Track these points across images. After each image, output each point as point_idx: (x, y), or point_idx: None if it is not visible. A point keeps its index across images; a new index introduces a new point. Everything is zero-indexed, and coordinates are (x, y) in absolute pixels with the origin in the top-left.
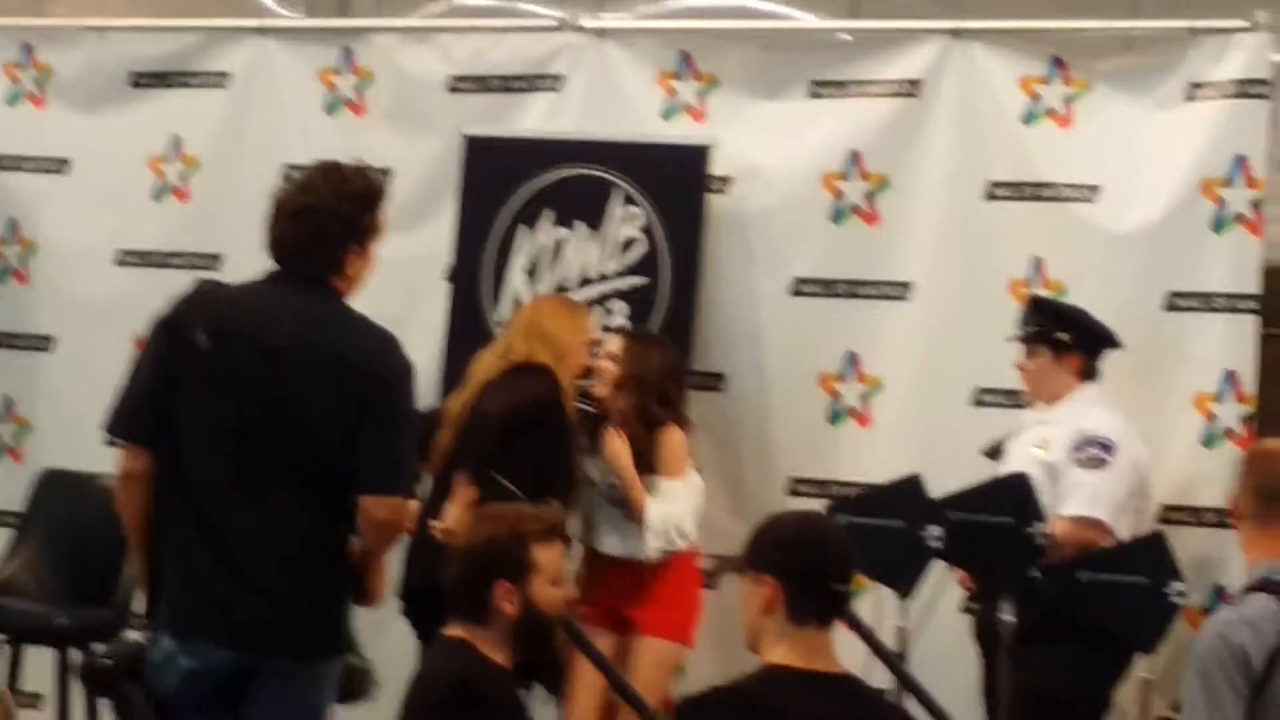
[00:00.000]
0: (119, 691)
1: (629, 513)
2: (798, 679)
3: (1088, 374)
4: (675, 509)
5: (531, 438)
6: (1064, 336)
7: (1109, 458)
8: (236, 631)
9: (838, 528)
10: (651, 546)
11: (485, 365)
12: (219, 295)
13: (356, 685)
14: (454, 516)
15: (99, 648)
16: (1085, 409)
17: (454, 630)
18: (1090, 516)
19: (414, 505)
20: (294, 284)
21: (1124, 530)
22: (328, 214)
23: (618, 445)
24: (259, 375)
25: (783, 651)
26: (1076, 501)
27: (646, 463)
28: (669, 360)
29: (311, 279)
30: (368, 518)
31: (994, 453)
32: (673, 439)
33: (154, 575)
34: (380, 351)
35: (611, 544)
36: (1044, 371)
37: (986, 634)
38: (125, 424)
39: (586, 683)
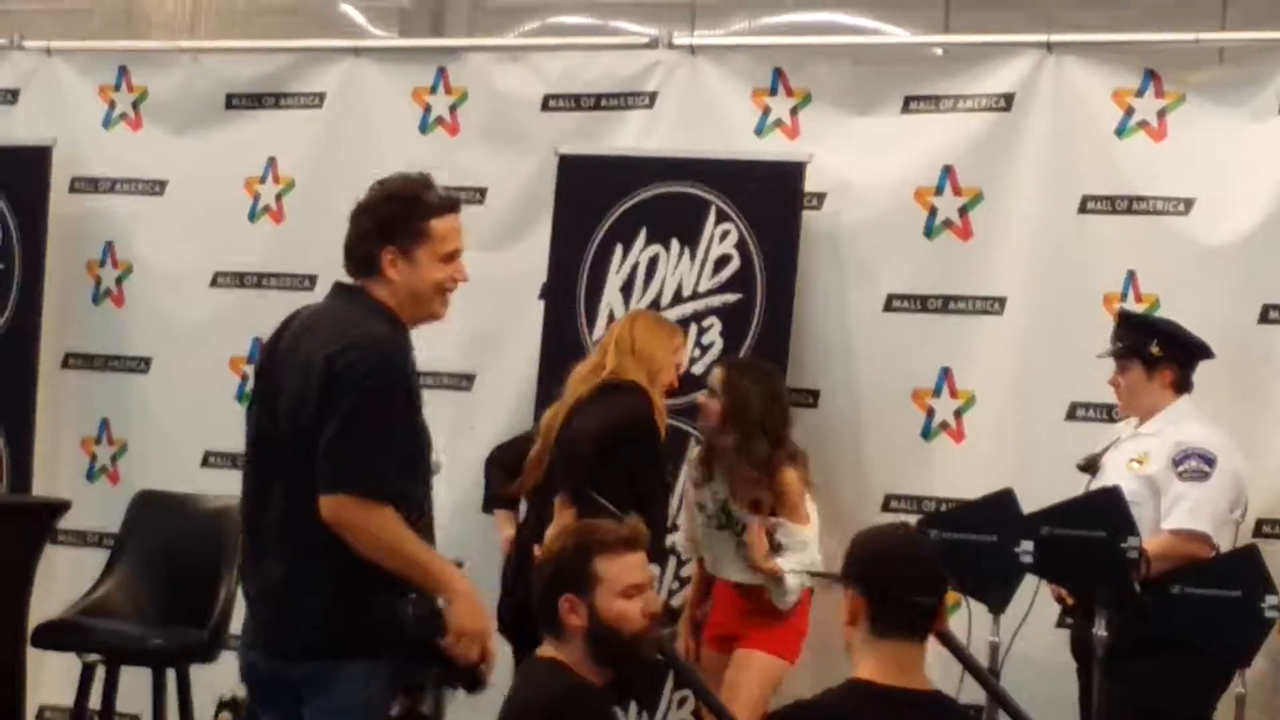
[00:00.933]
0: None
1: (743, 543)
2: (880, 695)
3: (1182, 387)
4: (806, 558)
5: (625, 455)
6: (1156, 350)
7: (1210, 470)
8: (259, 636)
9: (926, 542)
10: (789, 601)
11: (577, 381)
12: (288, 317)
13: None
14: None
15: None
16: (1183, 422)
17: (545, 650)
18: (1195, 530)
19: (374, 507)
20: (336, 293)
21: (1225, 544)
22: (366, 215)
23: (753, 538)
24: (268, 389)
25: (869, 666)
26: (1179, 515)
27: (763, 504)
28: (770, 389)
29: (349, 287)
30: (322, 516)
31: (1090, 467)
32: (789, 481)
33: None
34: (342, 350)
35: (732, 573)
36: (1137, 385)
37: (1083, 648)
38: None
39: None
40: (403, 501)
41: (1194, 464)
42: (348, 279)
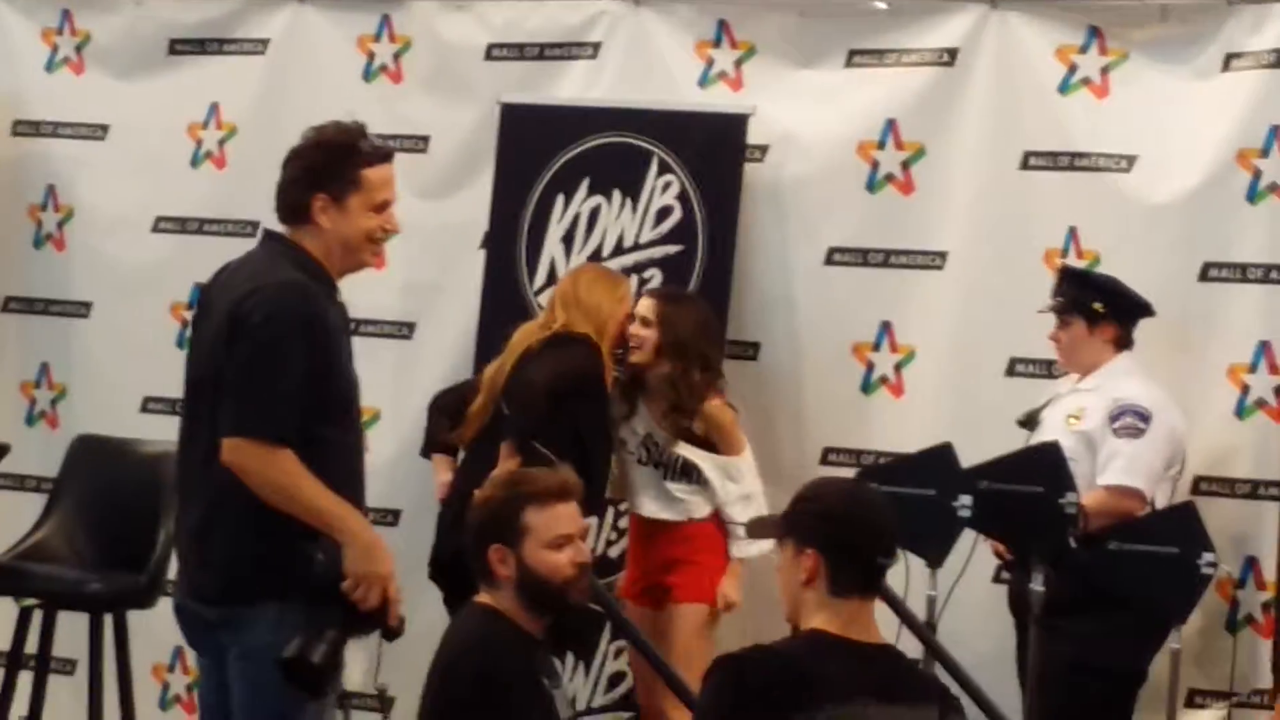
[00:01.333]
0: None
1: (675, 476)
2: (838, 645)
3: (1123, 343)
4: (752, 496)
5: (573, 407)
6: (1098, 306)
7: (1146, 426)
8: (182, 579)
9: (881, 498)
10: (749, 551)
11: (524, 334)
12: (225, 264)
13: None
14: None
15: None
16: (1121, 378)
17: (481, 596)
18: (1128, 485)
19: (271, 450)
20: (264, 241)
21: (1161, 500)
22: (297, 161)
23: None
24: (197, 334)
25: (822, 619)
26: (1114, 471)
27: (699, 437)
28: (702, 317)
29: (276, 235)
30: (223, 460)
31: (1029, 423)
32: (725, 416)
33: None
34: (247, 295)
35: (649, 507)
36: (1078, 342)
37: (1020, 603)
38: None
39: (636, 659)
40: (311, 445)
41: (1129, 420)
42: (279, 226)
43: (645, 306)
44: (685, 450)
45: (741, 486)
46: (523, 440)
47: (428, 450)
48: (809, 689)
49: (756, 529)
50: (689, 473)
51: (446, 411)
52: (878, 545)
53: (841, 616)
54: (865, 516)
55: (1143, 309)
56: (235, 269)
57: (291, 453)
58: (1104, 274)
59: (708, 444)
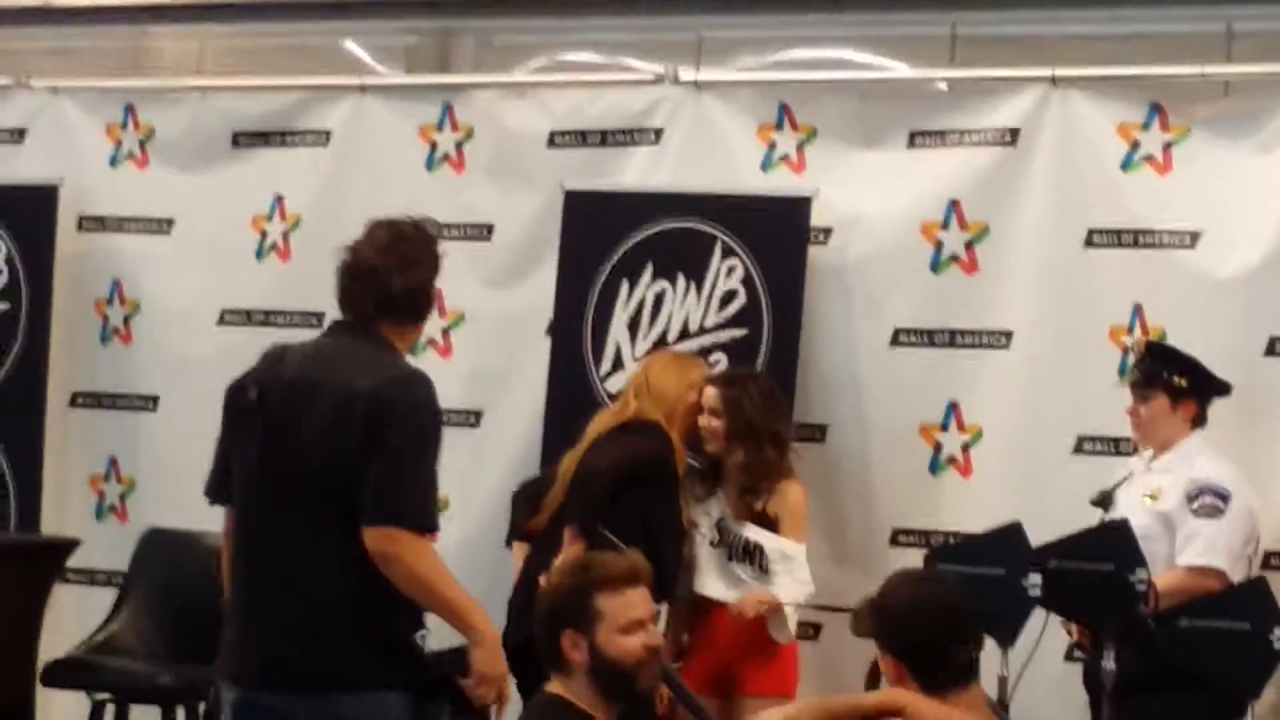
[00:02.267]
0: None
1: (739, 558)
2: None
3: (1199, 421)
4: (802, 581)
5: (639, 494)
6: (1181, 382)
7: (1225, 506)
8: (268, 670)
9: (948, 590)
10: (787, 633)
11: (599, 422)
12: (276, 352)
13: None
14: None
15: None
16: (1196, 457)
17: (552, 685)
18: (1208, 565)
19: (421, 541)
20: (342, 330)
21: (1238, 578)
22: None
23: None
24: (280, 418)
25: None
26: (1194, 550)
27: (766, 516)
28: (766, 391)
29: (353, 325)
30: (368, 547)
31: (1103, 502)
32: (795, 495)
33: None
34: (387, 384)
35: (717, 590)
36: (1159, 418)
37: (1094, 681)
38: (214, 487)
39: None
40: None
41: (1209, 500)
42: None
43: (710, 397)
44: (751, 531)
45: (794, 575)
46: (586, 525)
47: (511, 539)
48: None
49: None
50: (752, 555)
51: (529, 500)
52: (952, 638)
53: (954, 709)
54: (932, 614)
55: (1222, 388)
56: (324, 355)
57: (433, 544)
58: (1186, 351)
59: (772, 523)
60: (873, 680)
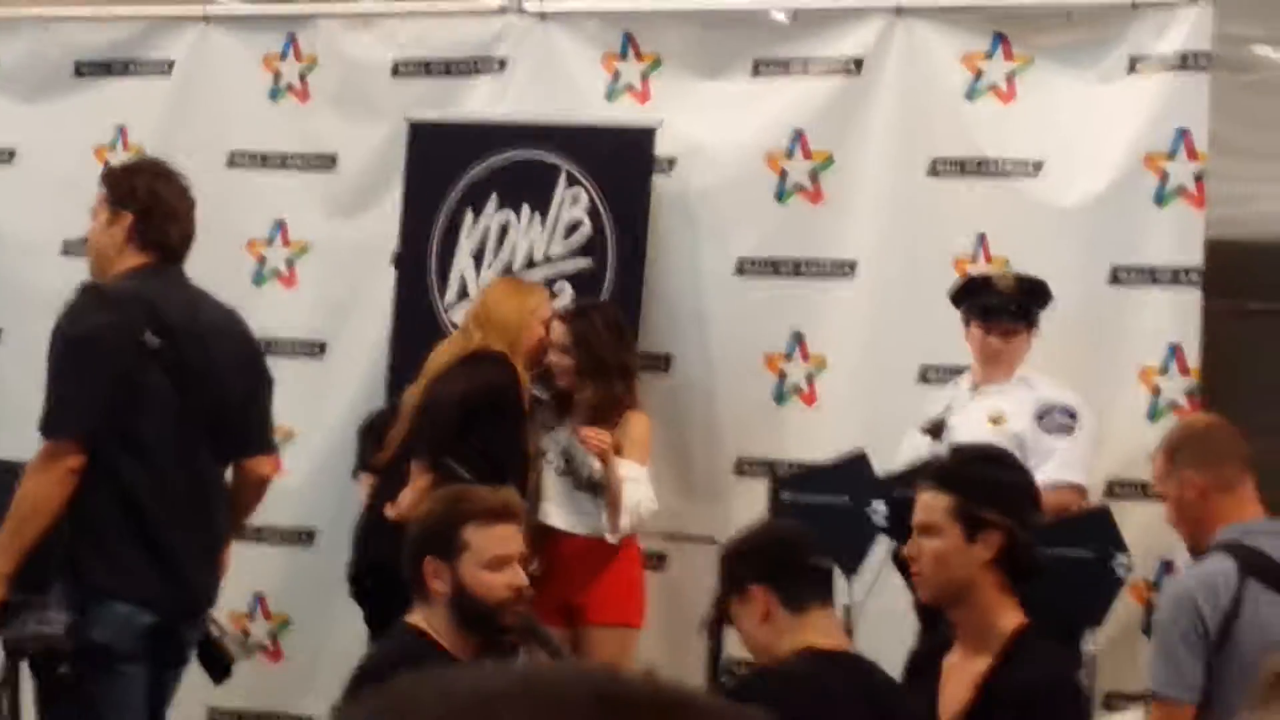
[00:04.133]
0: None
1: (584, 487)
2: (831, 657)
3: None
4: (644, 492)
5: (485, 425)
6: (1038, 314)
7: (1074, 423)
8: (201, 597)
9: (787, 519)
10: (624, 525)
11: (439, 353)
12: (142, 298)
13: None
14: (408, 500)
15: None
16: (1032, 378)
17: (412, 615)
18: (1070, 481)
19: None
20: (181, 274)
21: None
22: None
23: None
24: (197, 363)
25: (804, 638)
26: (1052, 467)
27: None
28: (611, 322)
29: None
30: (257, 474)
31: (935, 430)
32: (640, 425)
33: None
34: (246, 325)
35: (561, 519)
36: (1021, 351)
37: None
38: (80, 423)
39: None
40: None
41: (1059, 418)
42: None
43: (558, 332)
44: (596, 461)
45: (637, 493)
46: (434, 458)
47: (357, 471)
48: (829, 704)
49: (706, 624)
50: (595, 487)
51: (375, 433)
52: (807, 550)
53: (815, 629)
54: (780, 534)
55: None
56: (195, 301)
57: None
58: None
59: (617, 451)
60: (715, 627)
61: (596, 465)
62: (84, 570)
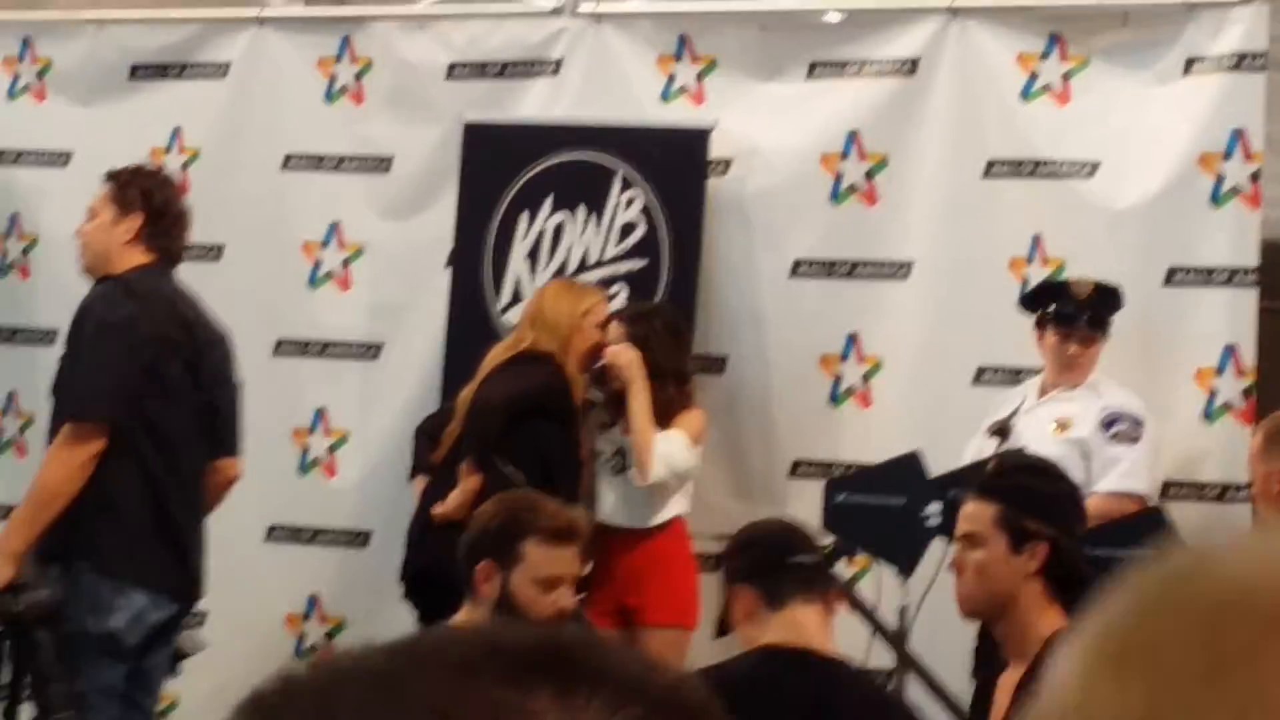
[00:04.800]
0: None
1: (633, 471)
2: (788, 656)
3: None
4: (675, 446)
5: (533, 426)
6: (1111, 321)
7: (1141, 432)
8: (194, 587)
9: (784, 518)
10: (656, 471)
11: (494, 355)
12: (166, 291)
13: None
14: (455, 501)
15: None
16: (1101, 385)
17: (459, 616)
18: (1131, 490)
19: None
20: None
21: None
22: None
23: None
24: (209, 372)
25: (772, 634)
26: (1115, 477)
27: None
28: (670, 326)
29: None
30: (229, 475)
31: (1002, 432)
32: (694, 416)
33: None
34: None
35: (613, 512)
36: (1095, 359)
37: None
38: (109, 408)
39: None
40: None
41: (1125, 426)
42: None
43: (616, 333)
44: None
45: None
46: (480, 458)
47: (414, 473)
48: (765, 704)
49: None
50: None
51: (430, 434)
52: (787, 546)
53: (788, 628)
54: (766, 530)
55: None
56: (193, 303)
57: None
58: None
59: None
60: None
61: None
62: (107, 556)
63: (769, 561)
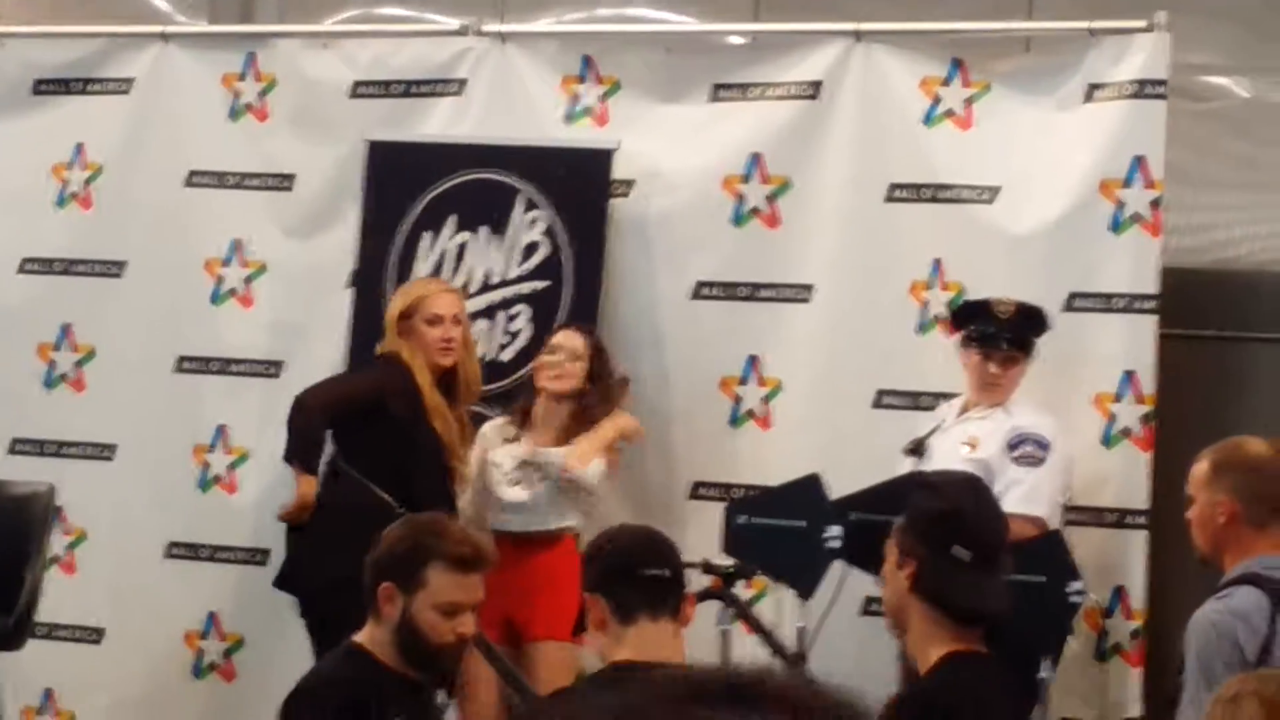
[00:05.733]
0: None
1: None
2: (631, 672)
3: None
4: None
5: (369, 426)
6: (1034, 342)
7: (1044, 454)
8: None
9: (641, 527)
10: (591, 470)
11: None
12: None
13: None
14: (293, 504)
15: None
16: (1014, 406)
17: (360, 635)
18: (1028, 514)
19: None
20: None
21: (1054, 524)
22: None
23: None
24: None
25: (623, 650)
26: (1015, 498)
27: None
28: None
29: None
30: None
31: (917, 450)
32: (619, 418)
33: None
34: None
35: (509, 519)
36: (1016, 378)
37: None
38: None
39: (485, 680)
40: None
41: (1029, 449)
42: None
43: (578, 342)
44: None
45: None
46: (304, 462)
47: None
48: None
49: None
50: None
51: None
52: (640, 560)
53: (635, 643)
54: (621, 541)
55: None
56: None
57: None
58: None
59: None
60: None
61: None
62: None
63: (620, 573)
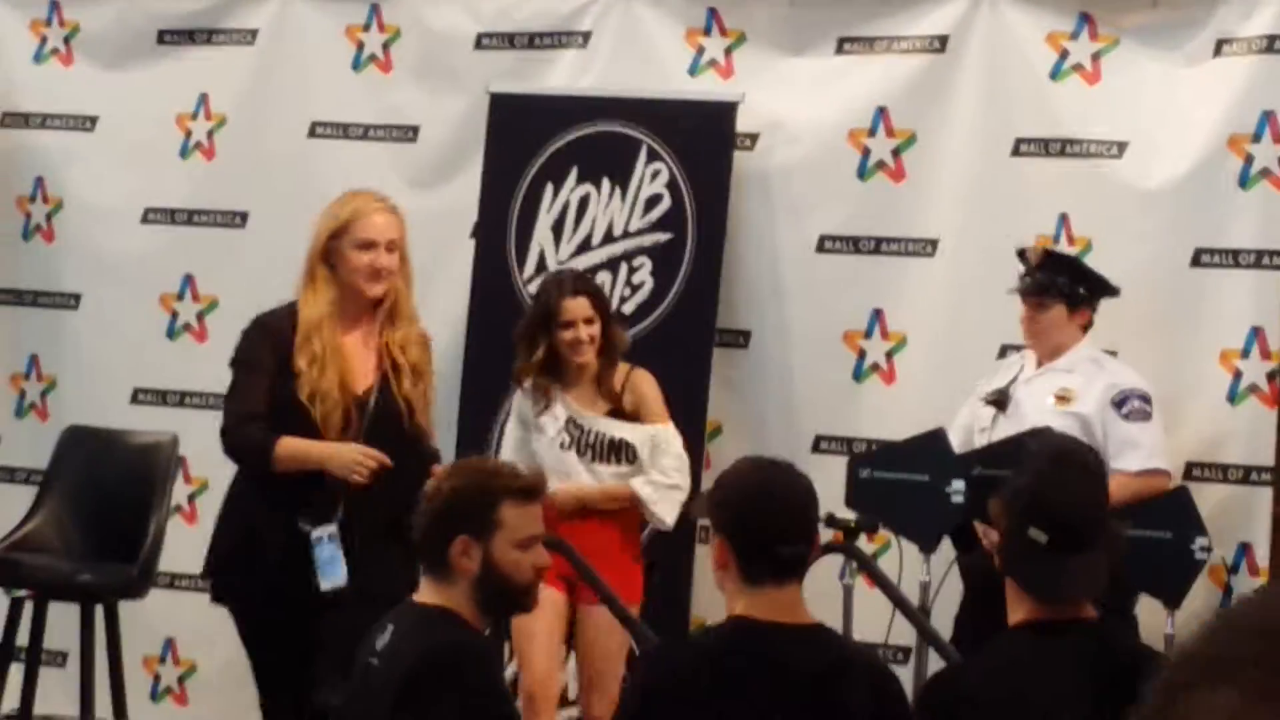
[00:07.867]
0: None
1: (602, 457)
2: (763, 629)
3: (1088, 327)
4: (674, 473)
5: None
6: (1081, 290)
7: (1150, 409)
8: None
9: (789, 483)
10: (669, 520)
11: None
12: None
13: None
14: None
15: None
16: (1105, 361)
17: (427, 595)
18: (1157, 468)
19: None
20: None
21: None
22: None
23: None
24: None
25: (745, 605)
26: (1141, 455)
27: (625, 411)
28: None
29: None
30: None
31: (1000, 401)
32: (647, 381)
33: None
34: None
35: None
36: (1057, 323)
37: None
38: None
39: (540, 644)
40: None
41: (1137, 404)
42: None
43: (584, 305)
44: (614, 427)
45: (669, 458)
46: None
47: None
48: (721, 679)
49: (698, 508)
50: (618, 450)
51: None
52: (780, 535)
53: (761, 603)
54: (765, 507)
55: (1111, 290)
56: None
57: None
58: (1079, 259)
59: (632, 417)
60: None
61: (612, 431)
62: None
63: (758, 547)
